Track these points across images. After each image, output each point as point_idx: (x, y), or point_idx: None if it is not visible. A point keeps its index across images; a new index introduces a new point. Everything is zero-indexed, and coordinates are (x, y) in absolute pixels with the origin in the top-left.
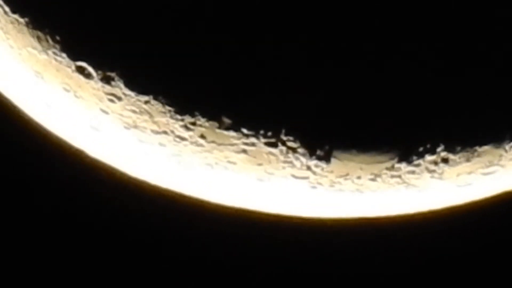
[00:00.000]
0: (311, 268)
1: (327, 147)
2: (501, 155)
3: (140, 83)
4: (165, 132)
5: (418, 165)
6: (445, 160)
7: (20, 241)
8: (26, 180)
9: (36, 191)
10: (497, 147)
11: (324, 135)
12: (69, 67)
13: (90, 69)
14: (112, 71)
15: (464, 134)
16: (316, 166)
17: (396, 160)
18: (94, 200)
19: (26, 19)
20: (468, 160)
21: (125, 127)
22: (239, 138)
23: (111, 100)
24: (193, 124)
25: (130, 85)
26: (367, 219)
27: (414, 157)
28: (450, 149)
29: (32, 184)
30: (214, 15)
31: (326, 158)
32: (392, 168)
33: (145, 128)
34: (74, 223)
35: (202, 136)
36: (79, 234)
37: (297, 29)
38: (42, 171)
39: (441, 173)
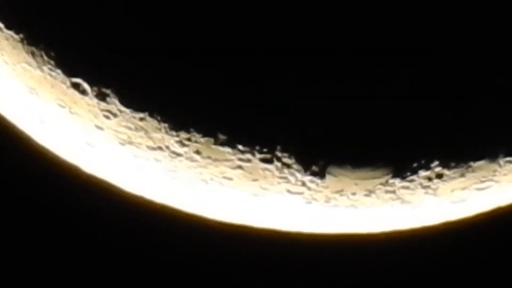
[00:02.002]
0: (305, 283)
1: (322, 163)
2: (495, 170)
3: (135, 99)
4: (160, 148)
5: (412, 181)
6: (439, 176)
7: (16, 256)
8: (20, 196)
9: (31, 207)
10: (492, 162)
11: (319, 152)
12: (64, 83)
13: (85, 85)
14: (107, 87)
15: (458, 149)
16: (311, 181)
17: (390, 175)
18: (89, 216)
19: (21, 35)
20: (462, 175)
21: (120, 143)
22: (234, 154)
23: (106, 117)
24: (189, 140)
25: (125, 101)
26: (362, 234)
27: (408, 173)
28: (444, 164)
29: (27, 200)
30: (208, 33)
31: (321, 174)
32: (386, 183)
33: (140, 144)
34: (69, 238)
35: (198, 152)
36: (74, 249)
37: (292, 47)
38: (37, 187)
39: (435, 189)
